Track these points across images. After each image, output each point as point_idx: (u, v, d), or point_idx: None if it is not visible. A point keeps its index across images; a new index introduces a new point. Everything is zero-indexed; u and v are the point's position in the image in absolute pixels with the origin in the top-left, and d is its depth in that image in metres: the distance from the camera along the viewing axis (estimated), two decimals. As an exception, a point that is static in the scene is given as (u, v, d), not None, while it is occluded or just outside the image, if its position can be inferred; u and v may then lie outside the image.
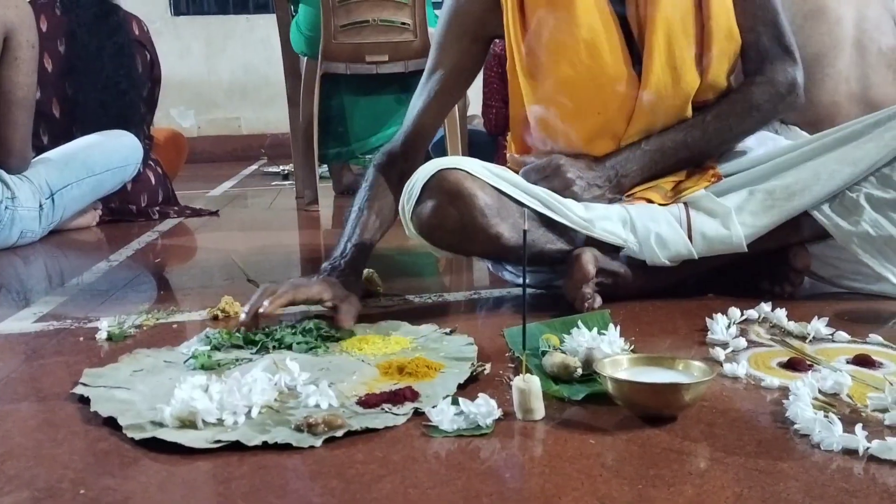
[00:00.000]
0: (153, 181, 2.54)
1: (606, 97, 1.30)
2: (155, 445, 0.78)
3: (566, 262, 1.24)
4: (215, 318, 1.27)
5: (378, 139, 2.70)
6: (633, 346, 1.02)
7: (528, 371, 0.85)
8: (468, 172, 1.21)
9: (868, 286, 1.27)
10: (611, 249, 1.26)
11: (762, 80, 1.34)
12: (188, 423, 0.81)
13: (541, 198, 1.25)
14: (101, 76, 2.37)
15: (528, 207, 1.21)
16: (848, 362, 0.96)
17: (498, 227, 1.20)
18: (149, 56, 2.54)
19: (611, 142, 1.34)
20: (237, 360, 1.02)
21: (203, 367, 0.99)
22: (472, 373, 0.95)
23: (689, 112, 1.33)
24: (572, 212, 1.25)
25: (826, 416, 0.77)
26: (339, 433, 0.79)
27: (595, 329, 1.01)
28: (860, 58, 1.87)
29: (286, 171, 3.71)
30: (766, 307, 1.15)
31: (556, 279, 1.30)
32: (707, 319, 1.10)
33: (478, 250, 1.29)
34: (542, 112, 1.35)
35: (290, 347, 1.05)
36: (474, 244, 1.23)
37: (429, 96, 1.41)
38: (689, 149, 1.33)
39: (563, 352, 0.96)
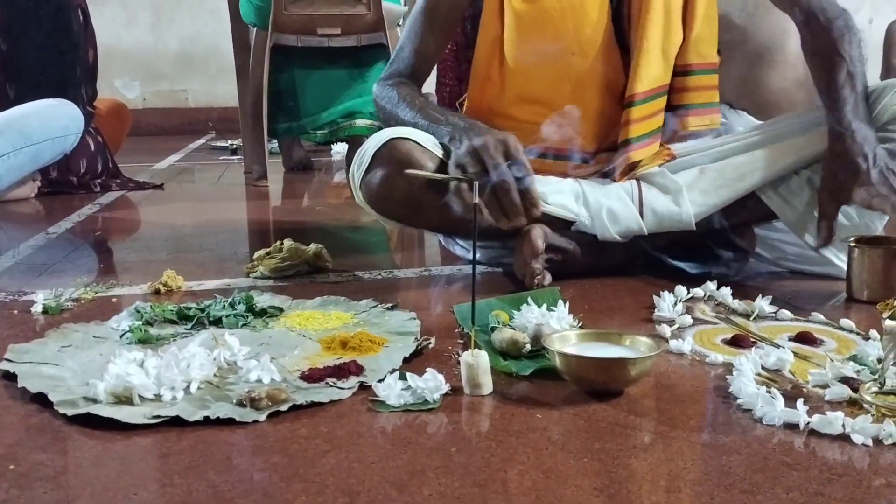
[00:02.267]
0: (93, 147, 2.45)
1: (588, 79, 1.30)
2: (89, 422, 0.75)
3: (516, 237, 1.23)
4: (157, 292, 1.23)
5: (329, 114, 2.64)
6: (581, 323, 1.02)
7: (477, 346, 0.84)
8: (419, 144, 1.19)
9: (811, 267, 1.30)
10: (561, 226, 1.26)
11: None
12: (123, 399, 0.78)
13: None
14: (38, 36, 2.29)
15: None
16: (791, 339, 0.98)
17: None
18: (82, 17, 2.45)
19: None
20: (174, 335, 0.99)
21: (140, 342, 0.96)
22: (416, 347, 0.94)
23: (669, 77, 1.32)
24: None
25: (768, 392, 0.78)
26: (284, 407, 0.77)
27: (544, 306, 1.00)
28: (808, 43, 1.90)
29: (234, 146, 3.64)
30: (711, 286, 1.17)
31: (508, 256, 1.29)
32: (654, 297, 1.11)
33: (426, 222, 1.28)
34: (521, 87, 1.33)
35: (219, 321, 1.03)
36: (423, 216, 1.22)
37: (428, 26, 1.35)
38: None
39: (513, 328, 0.96)
